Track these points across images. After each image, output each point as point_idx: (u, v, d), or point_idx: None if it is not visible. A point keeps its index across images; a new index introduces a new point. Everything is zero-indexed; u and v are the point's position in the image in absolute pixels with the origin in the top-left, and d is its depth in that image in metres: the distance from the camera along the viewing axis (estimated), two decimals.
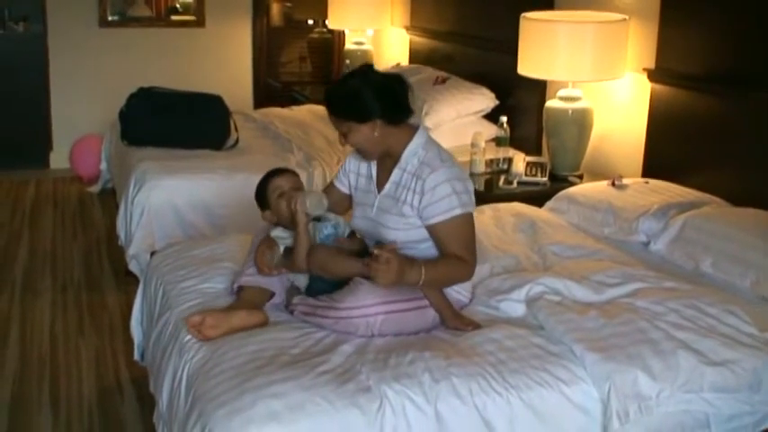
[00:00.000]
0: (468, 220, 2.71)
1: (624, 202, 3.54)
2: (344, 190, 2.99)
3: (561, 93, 4.24)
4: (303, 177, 3.78)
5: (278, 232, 2.82)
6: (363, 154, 2.82)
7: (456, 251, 2.68)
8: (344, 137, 2.75)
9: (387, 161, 2.83)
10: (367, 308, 2.55)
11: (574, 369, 2.41)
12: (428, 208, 2.68)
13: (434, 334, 2.61)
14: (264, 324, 2.61)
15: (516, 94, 4.97)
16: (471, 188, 2.78)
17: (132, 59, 7.23)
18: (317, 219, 2.79)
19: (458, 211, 2.67)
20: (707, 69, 3.68)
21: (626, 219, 3.45)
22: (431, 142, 2.80)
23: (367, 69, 2.78)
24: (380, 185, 2.85)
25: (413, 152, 2.76)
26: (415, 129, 2.80)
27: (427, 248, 2.74)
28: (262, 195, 2.92)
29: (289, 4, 8.00)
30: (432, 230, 2.71)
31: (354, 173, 2.96)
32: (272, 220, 2.89)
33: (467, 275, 2.74)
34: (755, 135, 3.44)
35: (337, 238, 2.81)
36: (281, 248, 2.78)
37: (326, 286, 2.70)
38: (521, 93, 4.91)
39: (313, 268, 2.71)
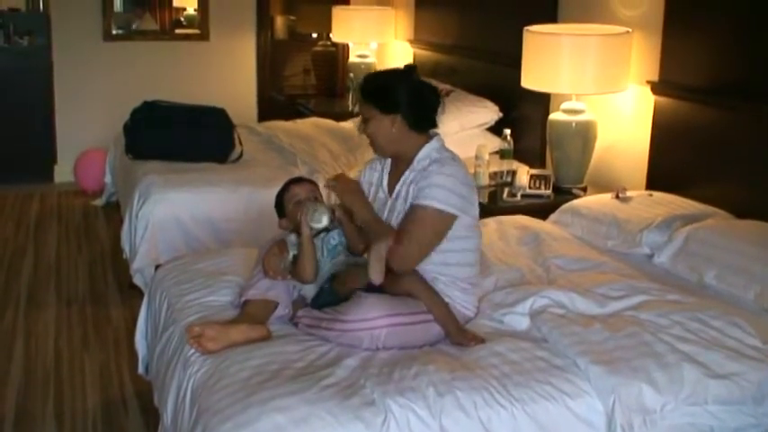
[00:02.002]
0: (440, 219, 2.70)
1: (628, 215, 3.55)
2: None
3: (565, 105, 4.25)
4: None
5: (292, 238, 2.83)
6: (375, 147, 2.86)
7: (404, 231, 2.68)
8: (365, 124, 2.81)
9: (400, 166, 2.86)
10: (371, 321, 2.55)
11: (578, 382, 2.41)
12: (420, 191, 2.70)
13: (439, 347, 2.61)
14: (266, 338, 2.60)
15: (520, 107, 4.98)
16: (471, 197, 2.78)
17: (136, 73, 7.26)
18: (326, 230, 2.79)
19: (436, 205, 2.67)
20: (710, 82, 3.69)
21: (630, 231, 3.45)
22: (445, 148, 2.84)
23: (410, 70, 2.86)
24: (391, 190, 2.87)
25: (426, 155, 2.79)
26: (432, 138, 2.84)
27: (441, 253, 2.74)
28: (280, 203, 2.93)
29: (293, 18, 8.03)
30: (409, 209, 2.73)
31: (367, 183, 2.99)
32: (287, 228, 2.90)
33: (396, 256, 2.64)
34: (759, 147, 3.44)
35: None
36: (291, 255, 2.79)
37: (332, 298, 2.70)
38: (524, 105, 4.92)
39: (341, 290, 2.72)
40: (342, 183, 2.88)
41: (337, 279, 2.74)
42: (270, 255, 2.81)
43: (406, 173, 2.81)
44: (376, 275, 2.58)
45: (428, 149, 2.80)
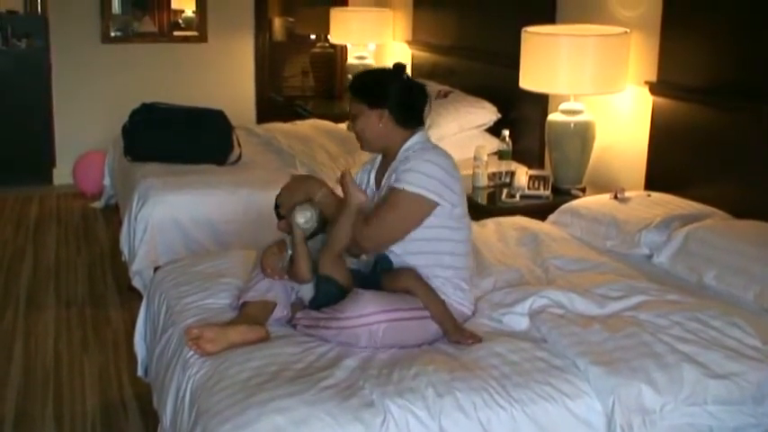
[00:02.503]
0: (413, 202, 2.71)
1: (627, 215, 3.55)
2: None
3: (563, 106, 4.25)
4: None
5: (291, 238, 2.84)
6: (363, 143, 2.90)
7: (374, 213, 2.72)
8: (353, 120, 2.86)
9: (387, 161, 2.90)
10: (369, 316, 2.55)
11: (578, 383, 2.41)
12: (397, 175, 2.74)
13: (438, 347, 2.61)
14: (265, 339, 2.60)
15: (518, 108, 4.98)
16: (453, 185, 2.76)
17: (135, 75, 7.26)
18: (322, 231, 2.80)
19: (409, 188, 2.69)
20: (708, 82, 3.69)
21: (629, 232, 3.45)
22: (429, 141, 2.88)
23: (400, 68, 2.91)
24: (379, 184, 2.91)
25: (409, 147, 2.83)
26: (417, 132, 2.87)
27: (429, 242, 2.75)
28: (278, 205, 2.94)
29: (291, 19, 8.03)
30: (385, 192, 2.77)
31: (360, 184, 3.00)
32: (285, 230, 2.91)
33: (357, 236, 2.70)
34: (758, 147, 3.44)
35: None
36: (289, 255, 2.79)
37: (334, 291, 2.69)
38: (523, 106, 4.92)
39: (325, 269, 2.72)
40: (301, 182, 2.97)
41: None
42: (269, 254, 2.82)
43: (392, 165, 2.84)
44: (359, 195, 2.68)
45: (412, 142, 2.83)
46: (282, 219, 2.92)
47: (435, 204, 2.72)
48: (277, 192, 2.99)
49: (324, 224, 2.80)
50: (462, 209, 2.84)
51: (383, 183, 2.87)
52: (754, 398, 2.46)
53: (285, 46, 8.14)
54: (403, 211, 2.72)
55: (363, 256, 2.83)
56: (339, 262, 2.74)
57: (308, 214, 2.75)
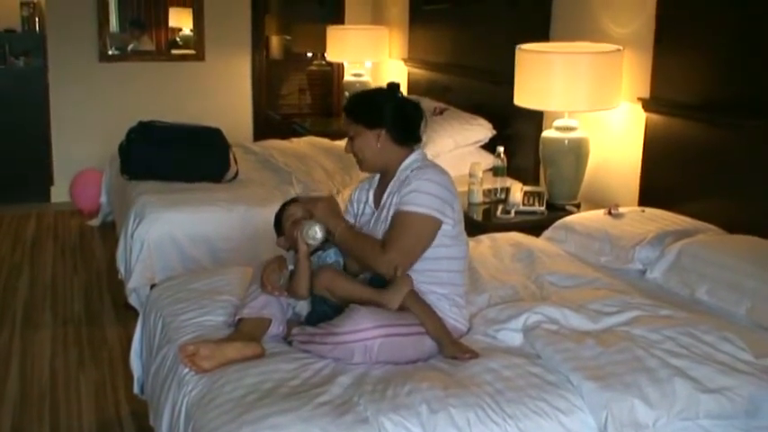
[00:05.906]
0: (423, 223, 2.74)
1: (620, 231, 3.56)
2: (352, 221, 3.03)
3: (557, 123, 4.27)
4: None
5: (291, 255, 2.85)
6: (362, 164, 2.92)
7: (388, 238, 2.74)
8: (351, 141, 2.88)
9: (385, 180, 2.92)
10: (364, 331, 2.55)
11: (571, 398, 2.42)
12: (402, 197, 2.76)
13: (432, 364, 2.61)
14: (261, 356, 2.61)
15: (513, 125, 5.01)
16: (452, 202, 2.80)
17: (132, 93, 7.29)
18: (323, 248, 2.82)
19: (418, 210, 2.72)
20: (701, 98, 3.71)
21: (622, 247, 3.47)
22: (427, 160, 2.90)
23: (394, 87, 2.93)
24: (378, 203, 2.93)
25: (408, 166, 2.86)
26: (414, 151, 2.90)
27: (426, 260, 2.77)
28: (278, 222, 2.96)
29: (288, 38, 8.06)
30: (393, 216, 2.78)
31: (357, 201, 3.05)
32: (285, 246, 2.93)
33: (377, 264, 2.73)
34: (750, 163, 3.46)
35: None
36: (290, 271, 2.81)
37: (329, 311, 2.71)
38: (518, 123, 4.95)
39: (318, 288, 2.73)
40: (310, 201, 2.94)
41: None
42: (269, 270, 2.83)
43: (391, 184, 2.87)
44: (394, 302, 2.65)
45: (410, 161, 2.87)
46: (282, 236, 2.94)
47: (441, 223, 2.76)
48: (274, 209, 3.00)
49: (325, 241, 2.82)
50: (460, 226, 2.86)
51: (383, 201, 2.88)
52: (747, 412, 2.46)
53: (282, 64, 8.17)
54: (416, 233, 2.75)
55: (361, 275, 2.84)
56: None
57: (320, 232, 2.75)
